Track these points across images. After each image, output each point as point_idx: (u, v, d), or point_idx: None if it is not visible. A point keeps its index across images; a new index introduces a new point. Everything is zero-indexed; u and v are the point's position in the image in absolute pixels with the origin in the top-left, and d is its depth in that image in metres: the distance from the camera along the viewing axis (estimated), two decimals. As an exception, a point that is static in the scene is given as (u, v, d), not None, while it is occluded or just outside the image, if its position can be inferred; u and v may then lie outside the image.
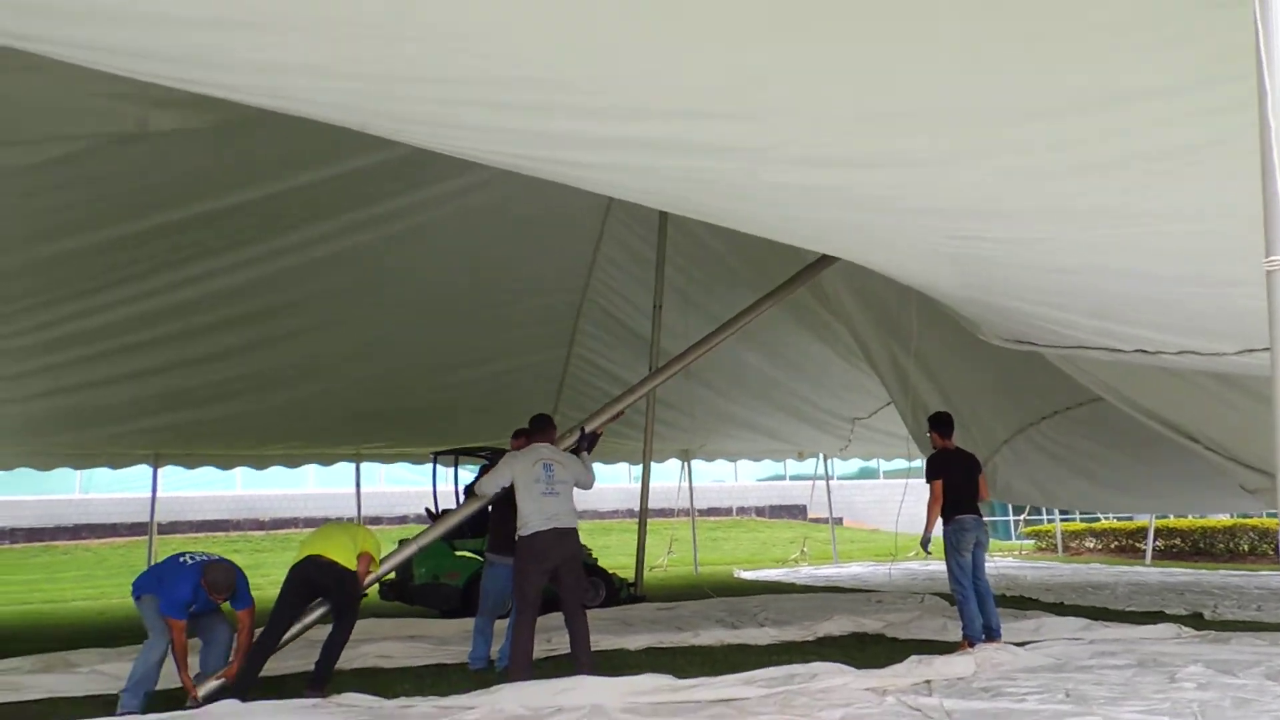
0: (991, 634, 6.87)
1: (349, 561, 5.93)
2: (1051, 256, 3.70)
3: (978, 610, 6.86)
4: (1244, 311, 4.12)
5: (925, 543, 7.08)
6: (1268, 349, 4.98)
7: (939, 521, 7.07)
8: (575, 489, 6.34)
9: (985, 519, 7.32)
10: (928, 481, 7.12)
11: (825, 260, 7.98)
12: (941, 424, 7.37)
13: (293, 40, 2.35)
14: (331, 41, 2.38)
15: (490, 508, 6.80)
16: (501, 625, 6.99)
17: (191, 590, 5.51)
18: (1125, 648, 6.58)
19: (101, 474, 19.78)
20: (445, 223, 9.19)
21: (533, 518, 6.01)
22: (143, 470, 13.02)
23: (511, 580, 6.29)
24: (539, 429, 6.60)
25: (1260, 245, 3.07)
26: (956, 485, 7.06)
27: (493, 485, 6.34)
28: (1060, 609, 9.25)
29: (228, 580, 5.54)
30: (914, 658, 5.81)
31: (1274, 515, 17.10)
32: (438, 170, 8.35)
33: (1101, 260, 3.64)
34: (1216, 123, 2.58)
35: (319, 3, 2.23)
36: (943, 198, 3.22)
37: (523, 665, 5.88)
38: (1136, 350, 5.58)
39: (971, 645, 6.56)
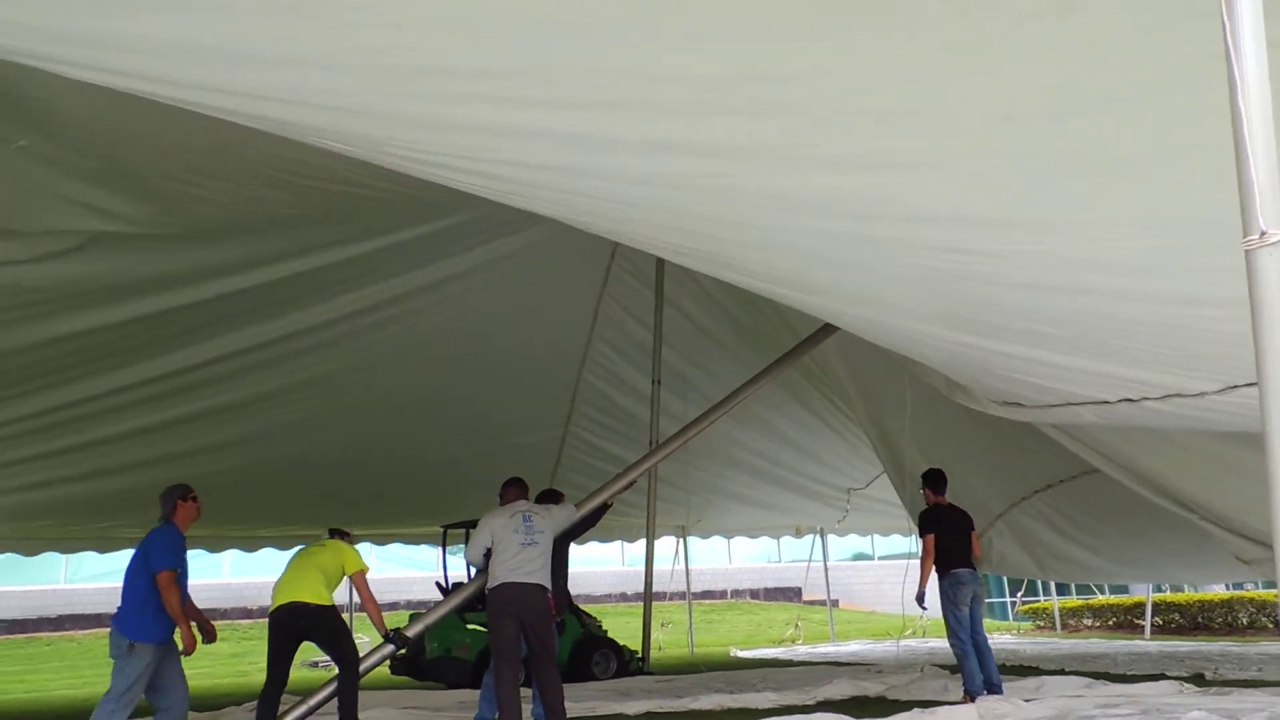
0: (992, 689, 6.83)
1: (323, 598, 5.81)
2: (1042, 273, 3.81)
3: (977, 665, 6.83)
4: (1223, 337, 4.24)
5: (920, 597, 7.11)
6: (1250, 384, 5.07)
7: (934, 577, 7.10)
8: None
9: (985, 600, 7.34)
10: (920, 536, 7.18)
11: (820, 334, 8.08)
12: (934, 480, 7.47)
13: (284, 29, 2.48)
14: (328, 30, 2.50)
15: None
16: None
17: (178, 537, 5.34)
18: (1128, 700, 6.55)
19: (88, 563, 19.55)
20: (437, 305, 9.30)
21: (499, 569, 5.99)
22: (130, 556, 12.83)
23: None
24: (511, 487, 6.65)
25: (1237, 261, 3.19)
26: (949, 540, 7.11)
27: (477, 549, 6.29)
28: (1062, 674, 9.15)
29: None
30: (917, 710, 5.78)
31: (1271, 587, 17.06)
32: (430, 254, 8.55)
33: (1091, 277, 3.76)
34: (1197, 128, 2.61)
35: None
36: (935, 204, 3.34)
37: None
38: (1122, 400, 5.59)
39: (973, 700, 6.52)
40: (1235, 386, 4.86)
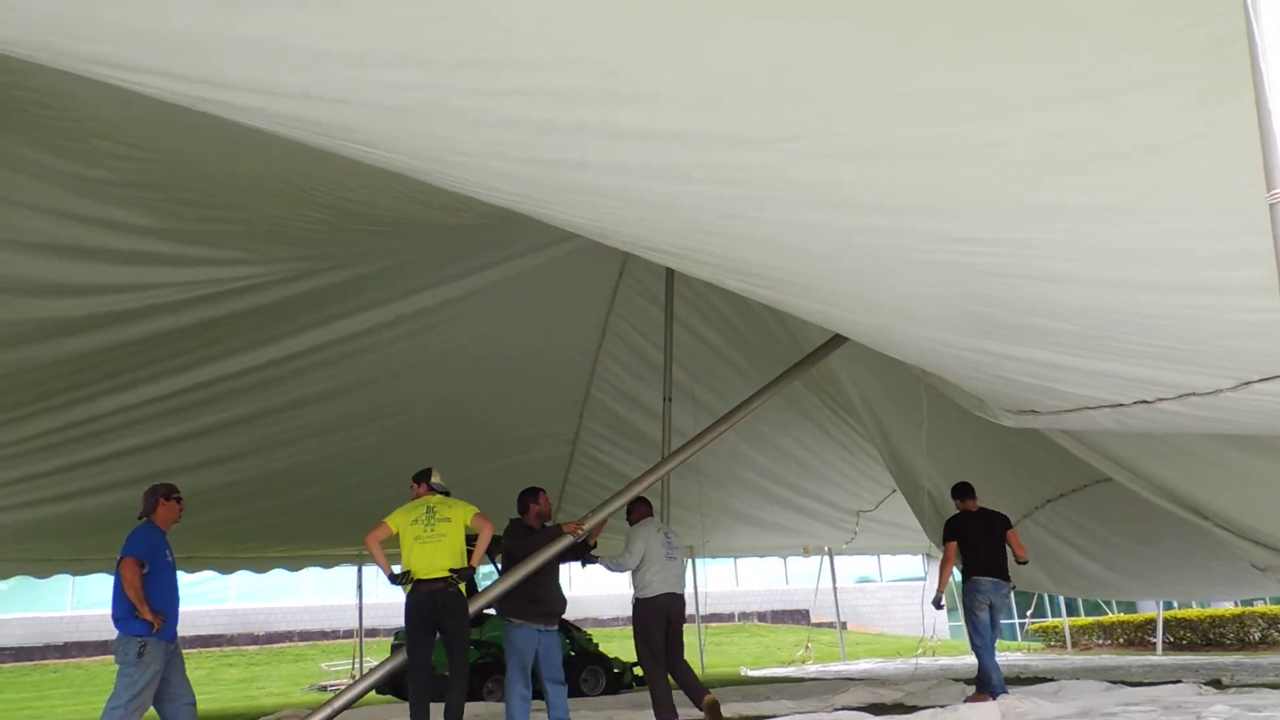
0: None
1: (460, 559, 5.81)
2: (1057, 263, 3.83)
3: (997, 663, 6.83)
4: (1236, 328, 4.26)
5: (936, 601, 7.13)
6: (1264, 379, 5.05)
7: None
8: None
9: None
10: (944, 543, 7.23)
11: (829, 345, 8.08)
12: (961, 493, 7.52)
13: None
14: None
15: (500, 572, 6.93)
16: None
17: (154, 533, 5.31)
18: (1149, 700, 6.54)
19: (94, 590, 19.49)
20: (447, 323, 9.35)
21: (655, 580, 6.79)
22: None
23: (526, 641, 6.36)
24: (641, 505, 7.44)
25: (1248, 247, 3.19)
26: (974, 546, 7.14)
27: (633, 558, 6.95)
28: (1078, 680, 9.12)
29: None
30: (937, 708, 5.78)
31: (1281, 602, 16.98)
32: (441, 274, 8.61)
33: (1106, 266, 3.79)
34: (1213, 112, 2.67)
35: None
36: (954, 193, 3.38)
37: (665, 708, 6.78)
38: (1137, 402, 5.54)
39: (992, 698, 6.51)
40: (1250, 383, 4.83)
